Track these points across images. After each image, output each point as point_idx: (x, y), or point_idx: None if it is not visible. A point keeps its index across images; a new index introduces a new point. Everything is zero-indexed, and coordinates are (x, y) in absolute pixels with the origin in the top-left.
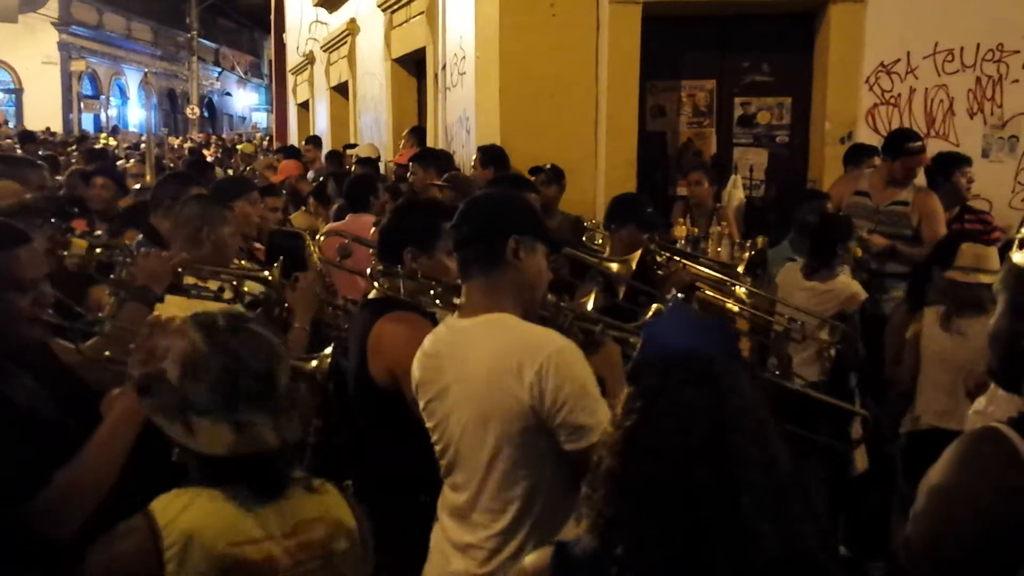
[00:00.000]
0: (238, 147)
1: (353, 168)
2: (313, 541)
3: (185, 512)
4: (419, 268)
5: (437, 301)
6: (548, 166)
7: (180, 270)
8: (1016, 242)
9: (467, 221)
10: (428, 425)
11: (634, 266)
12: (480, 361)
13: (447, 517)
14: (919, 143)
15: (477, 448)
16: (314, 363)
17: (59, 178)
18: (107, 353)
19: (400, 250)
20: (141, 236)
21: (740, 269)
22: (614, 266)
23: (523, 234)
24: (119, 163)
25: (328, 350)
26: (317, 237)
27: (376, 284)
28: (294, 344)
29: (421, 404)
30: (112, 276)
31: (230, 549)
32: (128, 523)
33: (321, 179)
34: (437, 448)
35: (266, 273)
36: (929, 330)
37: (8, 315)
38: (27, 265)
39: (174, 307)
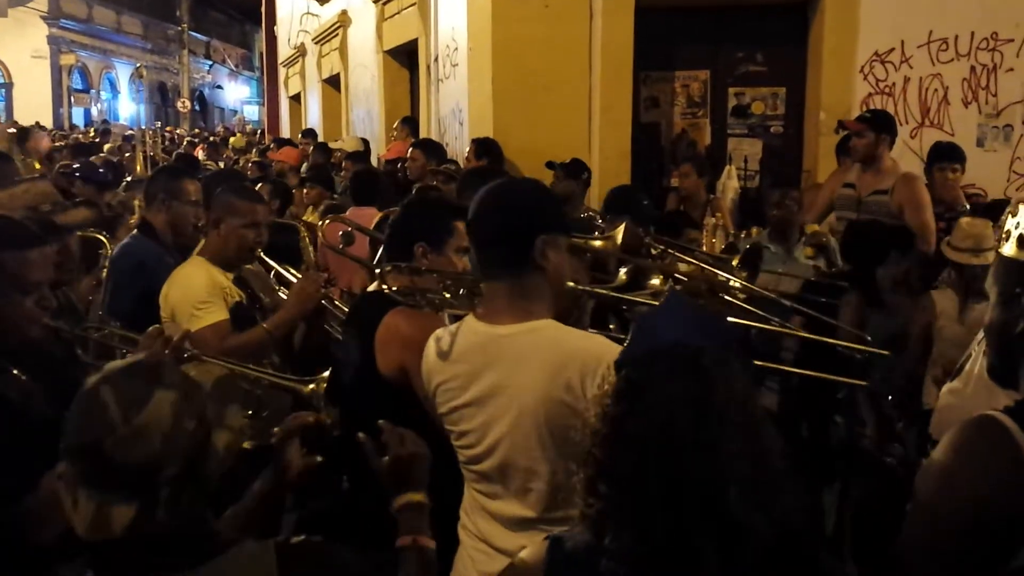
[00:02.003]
0: (231, 141)
1: (344, 164)
2: None
3: None
4: (428, 264)
5: (447, 295)
6: (568, 161)
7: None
8: (1004, 234)
9: (488, 220)
10: (455, 429)
11: (619, 240)
12: (532, 374)
13: (489, 523)
14: (847, 120)
15: (534, 462)
16: (311, 387)
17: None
18: None
19: (410, 245)
20: (136, 231)
21: (735, 263)
22: (597, 243)
23: (549, 231)
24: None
25: (326, 373)
26: (320, 223)
27: (385, 283)
28: (244, 341)
29: (443, 408)
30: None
31: None
32: None
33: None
34: (469, 453)
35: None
36: (944, 316)
37: (12, 314)
38: (36, 267)
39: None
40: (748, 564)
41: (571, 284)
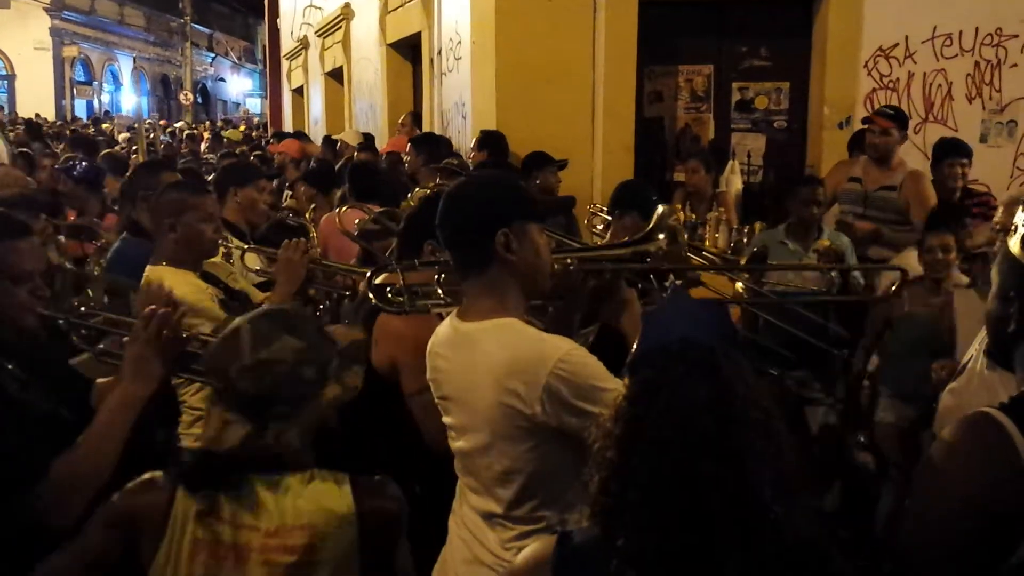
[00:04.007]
0: (224, 134)
1: (356, 156)
2: (291, 546)
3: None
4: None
5: (440, 291)
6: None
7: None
8: (1013, 228)
9: (450, 220)
10: (444, 420)
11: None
12: (484, 376)
13: (471, 513)
14: (877, 117)
15: (492, 462)
16: None
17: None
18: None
19: (422, 242)
20: (125, 233)
21: (743, 262)
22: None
23: (510, 222)
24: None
25: None
26: (337, 209)
27: (371, 287)
28: None
29: (436, 398)
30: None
31: (210, 524)
32: (154, 477)
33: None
34: (452, 445)
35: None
36: (968, 317)
37: (4, 304)
38: (26, 256)
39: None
40: (770, 565)
41: (558, 266)
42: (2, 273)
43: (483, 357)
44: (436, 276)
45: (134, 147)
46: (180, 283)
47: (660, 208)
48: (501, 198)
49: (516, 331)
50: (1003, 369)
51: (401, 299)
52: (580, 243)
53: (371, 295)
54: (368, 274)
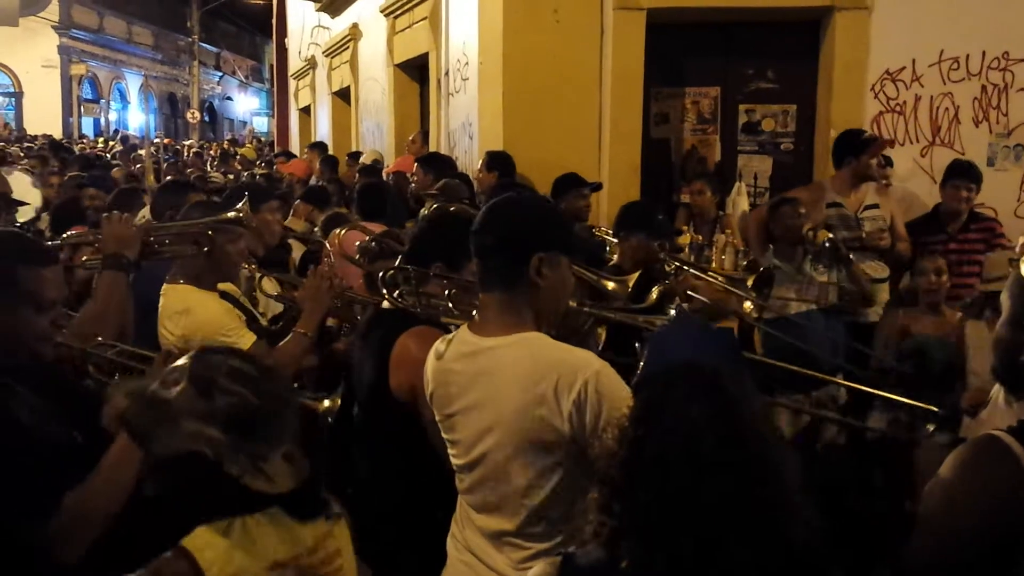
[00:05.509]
0: (240, 151)
1: (357, 177)
2: (328, 557)
3: (224, 547)
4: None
5: (451, 304)
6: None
7: (152, 238)
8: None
9: (489, 232)
10: (448, 438)
11: (631, 286)
12: (511, 386)
13: (476, 535)
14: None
15: (513, 475)
16: (327, 403)
17: None
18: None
19: (428, 262)
20: None
21: (749, 283)
22: (610, 285)
23: (548, 250)
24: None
25: (340, 388)
26: (337, 231)
27: (387, 293)
28: (289, 351)
29: (437, 416)
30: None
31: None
32: (167, 565)
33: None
34: (457, 462)
35: (231, 214)
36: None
37: (24, 332)
38: (50, 285)
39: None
40: None
41: (573, 304)
42: (26, 300)
43: (509, 367)
44: (447, 290)
45: (138, 165)
46: (207, 303)
47: (655, 292)
48: (545, 223)
49: (545, 342)
50: (1012, 395)
51: (412, 300)
52: (595, 273)
53: (383, 291)
54: (381, 274)
